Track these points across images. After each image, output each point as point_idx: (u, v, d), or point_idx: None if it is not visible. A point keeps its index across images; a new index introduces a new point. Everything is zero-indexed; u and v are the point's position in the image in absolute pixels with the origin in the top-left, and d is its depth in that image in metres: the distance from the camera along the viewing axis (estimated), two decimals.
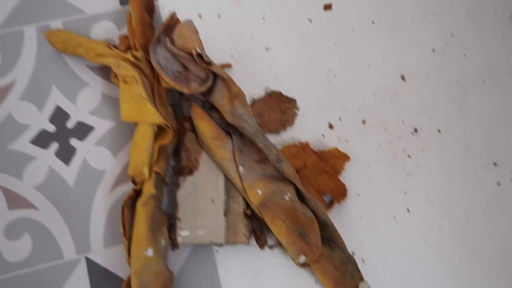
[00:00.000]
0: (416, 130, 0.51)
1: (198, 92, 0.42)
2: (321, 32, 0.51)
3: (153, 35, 0.46)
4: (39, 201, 0.45)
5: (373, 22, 0.52)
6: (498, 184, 0.50)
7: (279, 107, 0.49)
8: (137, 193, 0.41)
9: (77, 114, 0.46)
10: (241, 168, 0.42)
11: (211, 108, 0.44)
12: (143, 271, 0.39)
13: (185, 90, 0.41)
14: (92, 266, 0.44)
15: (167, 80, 0.41)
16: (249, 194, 0.42)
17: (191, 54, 0.40)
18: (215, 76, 0.42)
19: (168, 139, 0.41)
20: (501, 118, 0.52)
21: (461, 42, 0.53)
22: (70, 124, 0.46)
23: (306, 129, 0.49)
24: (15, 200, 0.44)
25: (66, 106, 0.46)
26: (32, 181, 0.45)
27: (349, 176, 0.49)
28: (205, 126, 0.42)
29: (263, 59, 0.50)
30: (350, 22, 0.52)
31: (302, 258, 0.44)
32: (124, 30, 0.48)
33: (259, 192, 0.42)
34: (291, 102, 0.49)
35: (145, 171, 0.40)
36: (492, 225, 0.49)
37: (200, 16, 0.51)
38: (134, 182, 0.41)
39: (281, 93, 0.49)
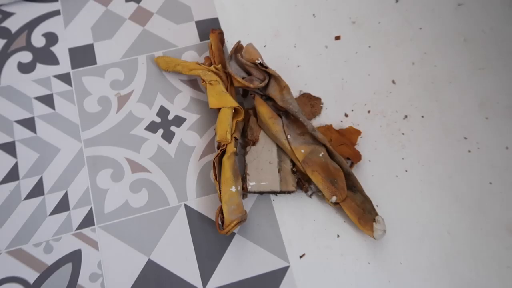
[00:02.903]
0: (406, 116, 0.72)
1: (258, 87, 0.64)
2: (335, 53, 0.75)
3: (224, 56, 0.69)
4: (152, 167, 0.65)
5: (369, 47, 0.76)
6: (469, 151, 0.70)
7: (309, 103, 0.71)
8: (222, 152, 0.61)
9: (174, 110, 0.69)
10: (289, 137, 0.63)
11: (267, 99, 0.66)
12: (229, 201, 0.59)
13: (251, 86, 0.63)
14: (189, 210, 0.63)
15: (239, 80, 0.63)
16: (296, 153, 0.63)
17: (254, 63, 0.63)
18: (269, 77, 0.65)
19: (241, 117, 0.63)
20: (466, 106, 0.73)
21: (432, 57, 0.76)
22: (170, 116, 0.68)
23: (329, 117, 0.71)
24: (136, 167, 0.65)
25: (167, 105, 0.69)
26: (146, 154, 0.66)
27: (362, 148, 0.69)
28: (264, 109, 0.64)
29: (296, 73, 0.73)
30: (353, 47, 0.76)
31: (334, 198, 0.63)
32: (204, 56, 0.72)
33: (302, 151, 0.63)
34: (317, 99, 0.71)
35: (228, 136, 0.61)
36: (466, 177, 0.68)
37: None
38: (219, 146, 0.62)
39: (310, 94, 0.72)
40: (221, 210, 0.59)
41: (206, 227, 0.63)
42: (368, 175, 0.68)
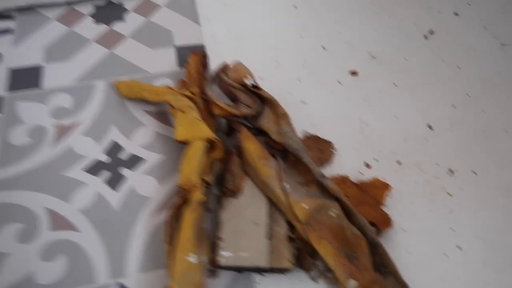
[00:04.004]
0: (451, 171, 0.52)
1: (247, 116, 0.46)
2: (350, 91, 0.58)
3: (206, 81, 0.53)
4: (82, 224, 0.45)
5: (395, 85, 0.59)
6: None
7: (317, 147, 0.52)
8: (183, 202, 0.41)
9: (130, 147, 0.50)
10: (286, 185, 0.43)
11: (258, 135, 0.47)
12: (183, 278, 0.37)
13: (236, 112, 0.45)
14: None
15: (221, 105, 0.46)
16: (295, 209, 0.42)
17: (242, 84, 0.46)
18: (263, 104, 0.47)
19: (219, 154, 0.44)
20: None
21: (478, 101, 0.58)
22: (123, 156, 0.50)
23: (344, 168, 0.51)
24: (59, 222, 0.45)
25: (122, 141, 0.50)
26: (79, 205, 0.46)
27: (391, 211, 0.48)
28: (252, 146, 0.45)
29: (301, 110, 0.55)
30: (375, 84, 0.59)
31: (352, 283, 0.40)
32: (179, 79, 0.56)
33: (305, 206, 0.42)
34: (328, 143, 0.52)
35: (195, 178, 0.41)
36: None
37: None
38: (181, 193, 0.42)
39: (318, 136, 0.53)
40: None
41: None
42: (402, 251, 0.46)
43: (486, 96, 0.59)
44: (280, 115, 0.45)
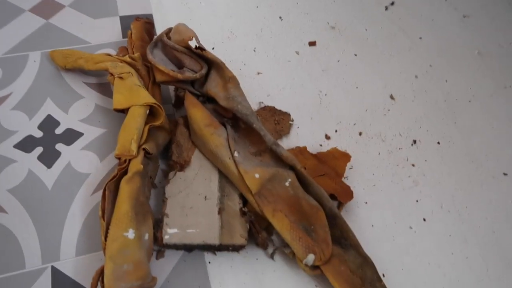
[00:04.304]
0: (415, 142, 0.49)
1: (191, 80, 0.42)
2: (309, 61, 0.55)
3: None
4: (10, 205, 0.39)
5: (355, 55, 0.56)
6: None
7: (273, 118, 0.48)
8: (121, 174, 0.37)
9: (67, 122, 0.45)
10: (236, 154, 0.39)
11: (204, 102, 0.43)
12: (120, 256, 0.32)
13: (179, 76, 0.41)
14: (59, 278, 0.36)
15: (163, 69, 0.41)
16: (246, 179, 0.38)
17: (186, 46, 0.42)
18: (208, 67, 0.43)
19: (160, 120, 0.40)
20: (498, 132, 0.51)
21: (440, 71, 0.56)
22: (59, 130, 0.44)
23: (303, 139, 0.48)
24: None
25: (58, 115, 0.45)
26: (6, 184, 0.40)
27: (353, 183, 0.45)
28: (198, 113, 0.41)
29: (255, 81, 0.52)
30: (334, 54, 0.56)
31: (311, 257, 0.37)
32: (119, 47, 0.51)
33: (256, 175, 0.38)
34: (285, 114, 0.49)
35: (133, 146, 0.37)
36: None
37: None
38: (119, 164, 0.37)
39: (274, 107, 0.50)
40: (102, 273, 0.32)
41: None
42: (365, 225, 0.43)
43: (448, 66, 0.57)
44: (228, 78, 0.42)
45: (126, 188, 0.35)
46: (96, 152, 0.44)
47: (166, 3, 0.57)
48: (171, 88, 0.49)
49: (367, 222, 0.43)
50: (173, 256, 0.39)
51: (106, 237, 0.34)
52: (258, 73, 0.53)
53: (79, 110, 0.46)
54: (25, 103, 0.46)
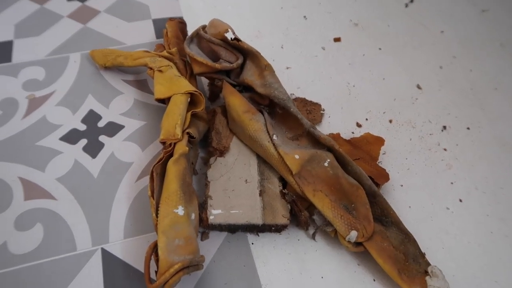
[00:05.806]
0: (445, 128, 0.50)
1: (228, 69, 0.44)
2: (335, 56, 0.57)
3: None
4: (59, 192, 0.41)
5: (379, 49, 0.58)
6: None
7: (305, 108, 0.50)
8: (167, 157, 0.38)
9: (108, 115, 0.47)
10: (275, 137, 0.41)
11: (241, 92, 0.45)
12: (171, 230, 0.33)
13: (217, 66, 0.43)
14: (109, 259, 0.37)
15: (201, 60, 0.43)
16: (286, 160, 0.39)
17: (222, 39, 0.44)
18: (244, 58, 0.45)
19: (201, 107, 0.41)
20: None
21: (464, 61, 0.58)
22: (101, 123, 0.46)
23: (334, 128, 0.49)
24: (33, 191, 0.41)
25: (99, 110, 0.47)
26: (55, 173, 0.42)
27: (387, 167, 0.46)
28: (237, 100, 0.43)
29: (285, 75, 0.54)
30: (359, 49, 0.58)
31: (354, 234, 0.37)
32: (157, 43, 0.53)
33: (296, 156, 0.39)
34: (316, 105, 0.51)
35: (178, 130, 0.38)
36: None
37: None
38: (165, 149, 0.39)
39: (305, 98, 0.51)
40: (155, 247, 0.33)
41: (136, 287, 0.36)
42: (402, 206, 0.43)
43: (472, 57, 0.58)
44: (264, 66, 0.43)
45: (173, 169, 0.36)
46: (137, 143, 0.45)
47: (195, 6, 0.60)
48: (205, 82, 0.51)
49: (404, 203, 0.44)
50: (217, 238, 0.40)
51: (157, 214, 0.35)
52: (287, 68, 0.55)
53: (119, 105, 0.48)
54: (68, 99, 0.48)
